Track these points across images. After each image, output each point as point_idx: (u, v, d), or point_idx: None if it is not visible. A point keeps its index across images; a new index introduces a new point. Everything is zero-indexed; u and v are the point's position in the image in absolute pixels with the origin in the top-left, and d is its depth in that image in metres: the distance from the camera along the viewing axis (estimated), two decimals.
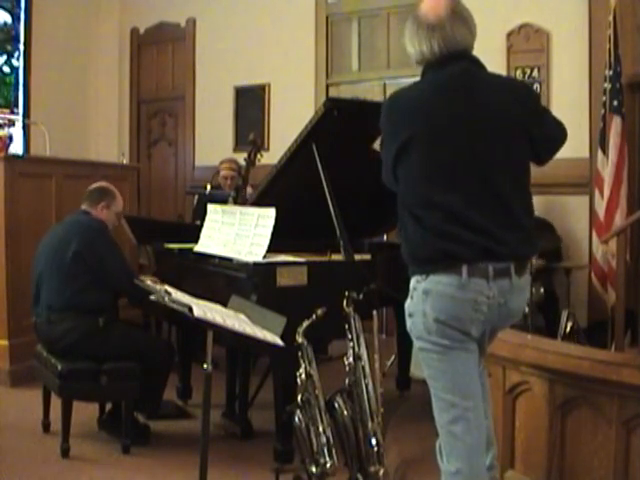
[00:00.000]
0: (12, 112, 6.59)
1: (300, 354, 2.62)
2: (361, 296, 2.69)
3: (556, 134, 2.15)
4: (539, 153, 2.12)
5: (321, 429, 2.55)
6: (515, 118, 2.03)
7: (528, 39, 5.38)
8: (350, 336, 2.66)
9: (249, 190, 4.69)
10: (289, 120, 5.53)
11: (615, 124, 4.57)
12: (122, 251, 3.69)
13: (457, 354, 2.01)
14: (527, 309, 4.05)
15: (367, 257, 3.52)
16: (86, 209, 3.59)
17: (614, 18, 4.60)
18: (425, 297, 2.00)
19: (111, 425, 3.53)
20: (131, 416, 3.39)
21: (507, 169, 2.02)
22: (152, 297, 2.33)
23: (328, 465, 2.53)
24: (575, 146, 4.84)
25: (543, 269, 4.52)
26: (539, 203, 5.00)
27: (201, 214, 3.96)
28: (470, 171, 1.98)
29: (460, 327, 1.99)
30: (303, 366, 2.61)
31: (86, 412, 3.59)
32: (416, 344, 2.09)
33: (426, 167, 2.01)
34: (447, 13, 2.03)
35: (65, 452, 3.26)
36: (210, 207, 3.74)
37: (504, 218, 1.99)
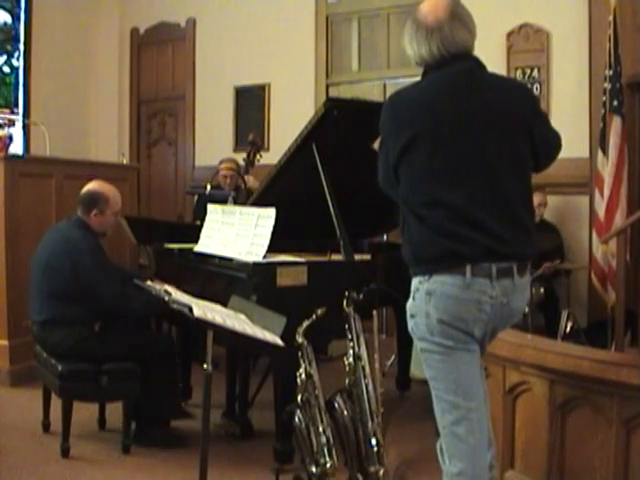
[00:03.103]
0: (12, 112, 6.59)
1: (300, 354, 2.62)
2: (361, 296, 2.69)
3: (553, 141, 2.16)
4: (537, 158, 2.11)
5: (321, 429, 2.55)
6: (518, 118, 2.03)
7: (528, 39, 5.39)
8: (350, 336, 2.65)
9: (251, 181, 4.70)
10: (289, 120, 5.53)
11: (615, 124, 4.58)
12: (110, 268, 3.54)
13: (460, 355, 2.00)
14: (527, 309, 4.05)
15: (367, 257, 3.52)
16: (81, 216, 3.51)
17: (614, 18, 4.61)
18: (429, 298, 1.99)
19: (143, 436, 3.45)
20: (164, 423, 3.45)
21: (510, 169, 2.01)
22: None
23: (328, 465, 2.53)
24: (575, 146, 4.85)
25: (548, 271, 4.53)
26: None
27: (201, 214, 3.96)
28: (474, 170, 1.98)
29: (464, 328, 1.98)
30: (303, 366, 2.61)
31: (86, 412, 3.59)
32: (418, 345, 2.08)
33: (430, 166, 2.00)
34: (446, 15, 2.02)
35: (65, 452, 3.26)
36: (210, 207, 3.74)
37: (507, 218, 1.99)
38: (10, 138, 4.66)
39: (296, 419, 2.60)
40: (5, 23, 6.71)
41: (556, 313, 4.64)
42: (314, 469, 2.54)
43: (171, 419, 3.53)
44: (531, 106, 2.10)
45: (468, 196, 1.96)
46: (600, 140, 4.69)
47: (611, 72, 4.58)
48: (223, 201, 4.31)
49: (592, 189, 4.86)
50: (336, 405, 2.58)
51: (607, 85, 4.61)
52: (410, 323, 2.07)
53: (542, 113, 2.16)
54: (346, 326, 2.66)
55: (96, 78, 7.23)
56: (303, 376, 2.60)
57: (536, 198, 4.34)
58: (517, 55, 5.43)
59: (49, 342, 3.39)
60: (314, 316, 2.62)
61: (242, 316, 2.42)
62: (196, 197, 5.50)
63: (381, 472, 2.54)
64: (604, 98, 4.64)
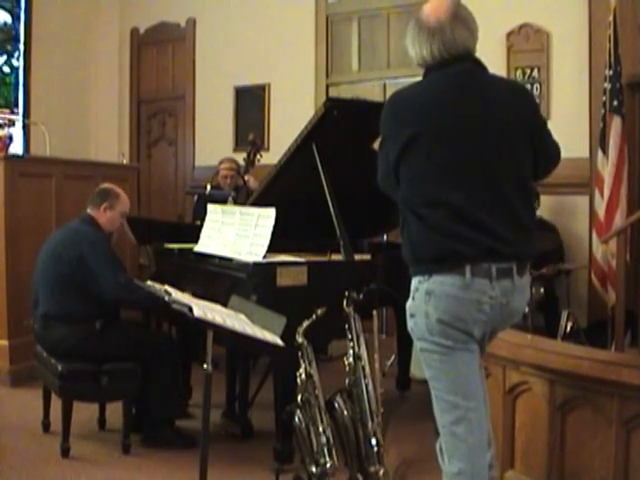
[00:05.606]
0: (12, 112, 6.59)
1: (300, 354, 2.62)
2: (361, 296, 2.69)
3: (552, 151, 2.15)
4: (535, 166, 2.10)
5: (321, 429, 2.55)
6: (518, 119, 2.03)
7: (528, 39, 5.38)
8: (350, 336, 2.65)
9: (252, 182, 4.71)
10: (289, 120, 5.53)
11: (615, 124, 4.57)
12: (117, 262, 3.53)
13: (459, 355, 2.01)
14: (527, 309, 4.05)
15: (367, 257, 3.52)
16: (90, 212, 3.57)
17: (614, 18, 4.61)
18: (428, 297, 1.99)
19: (152, 439, 3.46)
20: (169, 424, 3.44)
21: (511, 169, 2.01)
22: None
23: (328, 465, 2.53)
24: (575, 146, 4.85)
25: (550, 272, 4.53)
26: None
27: (201, 214, 3.96)
28: (475, 170, 1.98)
29: (463, 328, 1.98)
30: (303, 366, 2.61)
31: (86, 412, 3.59)
32: (418, 345, 2.08)
33: (430, 166, 2.00)
34: (448, 16, 2.03)
35: (65, 452, 3.26)
36: (210, 207, 3.74)
37: (508, 218, 1.99)
38: (10, 138, 4.66)
39: (296, 419, 2.60)
40: (5, 23, 6.71)
41: (556, 313, 4.64)
42: (314, 469, 2.54)
43: (175, 419, 3.52)
44: (531, 108, 2.10)
45: (468, 196, 1.96)
46: (600, 140, 4.69)
47: (611, 72, 4.57)
48: (223, 201, 4.31)
49: (592, 189, 4.86)
50: (336, 405, 2.58)
51: (607, 85, 4.61)
52: (410, 323, 2.08)
53: (542, 118, 2.16)
54: (346, 326, 2.66)
55: (96, 78, 7.22)
56: (303, 376, 2.60)
57: None
58: (517, 55, 5.43)
59: (50, 340, 3.39)
60: (314, 316, 2.62)
61: (242, 316, 2.42)
62: (196, 197, 5.50)
63: (381, 472, 2.54)
64: (604, 98, 4.64)
